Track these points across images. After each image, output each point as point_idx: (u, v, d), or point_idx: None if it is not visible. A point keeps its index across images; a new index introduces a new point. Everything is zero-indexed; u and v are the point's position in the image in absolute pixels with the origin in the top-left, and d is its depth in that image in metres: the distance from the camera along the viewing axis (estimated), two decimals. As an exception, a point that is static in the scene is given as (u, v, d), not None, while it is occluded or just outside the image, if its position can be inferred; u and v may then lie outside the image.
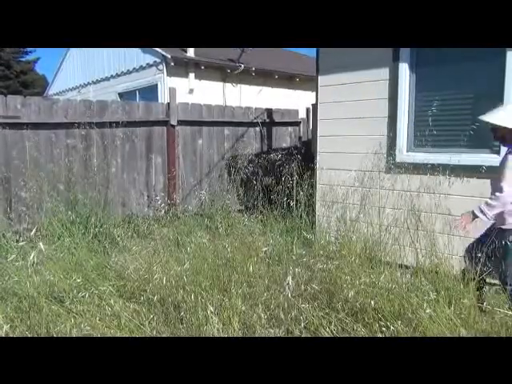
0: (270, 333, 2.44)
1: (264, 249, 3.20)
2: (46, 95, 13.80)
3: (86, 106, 5.49)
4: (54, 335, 2.46)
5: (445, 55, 3.76)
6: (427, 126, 3.76)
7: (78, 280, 2.94)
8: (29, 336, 2.50)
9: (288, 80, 10.72)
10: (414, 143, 4.03)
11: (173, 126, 6.18)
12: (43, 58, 41.81)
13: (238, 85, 9.96)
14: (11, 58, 22.65)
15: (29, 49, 23.26)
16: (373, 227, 3.57)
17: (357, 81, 4.29)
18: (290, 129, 7.77)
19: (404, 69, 3.98)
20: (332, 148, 4.56)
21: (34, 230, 3.52)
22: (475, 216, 2.71)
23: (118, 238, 4.47)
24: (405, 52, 3.95)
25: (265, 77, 10.24)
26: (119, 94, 10.28)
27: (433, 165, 3.73)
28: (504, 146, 2.90)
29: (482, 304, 2.75)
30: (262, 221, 4.66)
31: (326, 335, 2.44)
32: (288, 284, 2.52)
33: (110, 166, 5.69)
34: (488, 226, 2.89)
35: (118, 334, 2.47)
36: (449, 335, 2.29)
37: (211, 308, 2.50)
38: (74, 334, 2.44)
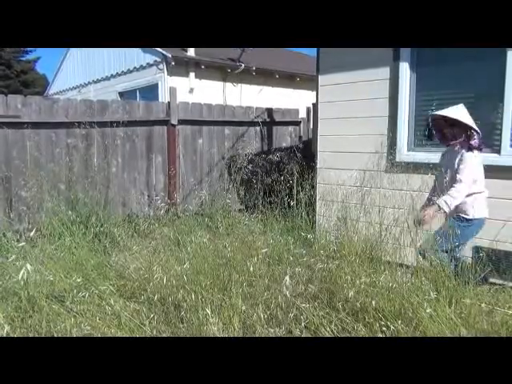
0: (270, 332, 2.45)
1: (264, 250, 3.20)
2: (47, 95, 13.80)
3: (86, 105, 5.50)
4: (55, 335, 2.46)
5: (445, 55, 3.76)
6: (427, 125, 3.75)
7: (79, 279, 2.94)
8: (30, 336, 2.50)
9: (289, 79, 10.71)
10: (415, 143, 4.03)
11: (173, 126, 6.18)
12: (44, 58, 42.00)
13: (239, 84, 9.95)
14: (12, 58, 22.67)
15: (29, 48, 23.27)
16: (373, 227, 3.56)
17: (356, 80, 4.29)
18: (290, 128, 7.77)
19: (404, 68, 3.98)
20: (332, 147, 4.56)
21: (34, 230, 3.52)
22: (439, 209, 2.89)
23: (119, 238, 4.47)
24: (405, 51, 3.95)
25: (265, 76, 10.23)
26: (120, 93, 10.27)
27: (433, 164, 3.73)
28: (442, 142, 3.22)
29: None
30: (262, 220, 4.66)
31: (327, 335, 2.45)
32: (285, 283, 2.53)
33: (111, 166, 5.69)
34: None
35: (119, 334, 2.48)
36: (449, 335, 2.29)
37: (211, 307, 2.50)
38: (75, 333, 2.44)
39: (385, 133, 4.13)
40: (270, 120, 7.37)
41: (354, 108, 4.31)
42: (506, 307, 2.67)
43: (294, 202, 4.75)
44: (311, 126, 7.39)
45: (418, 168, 3.85)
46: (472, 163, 2.93)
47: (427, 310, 2.36)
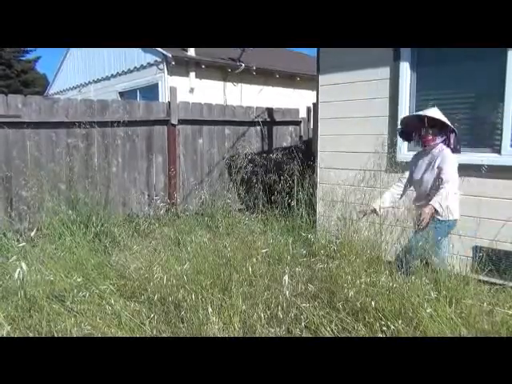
0: (270, 332, 2.45)
1: (264, 250, 3.20)
2: (47, 94, 13.80)
3: (86, 105, 5.49)
4: (55, 334, 2.46)
5: (445, 55, 3.76)
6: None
7: (79, 279, 2.95)
8: (30, 336, 2.50)
9: (289, 79, 10.71)
10: (415, 142, 4.02)
11: (173, 126, 6.18)
12: (44, 57, 41.94)
13: (239, 84, 9.95)
14: (12, 57, 22.65)
15: (29, 48, 23.27)
16: (373, 226, 3.56)
17: (357, 80, 4.28)
18: (290, 128, 7.76)
19: (405, 68, 3.98)
20: (332, 147, 4.55)
21: (34, 230, 3.53)
22: (434, 210, 2.85)
23: (119, 237, 4.47)
24: (406, 51, 3.95)
25: (266, 76, 10.23)
26: (120, 93, 10.27)
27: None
28: (421, 144, 3.23)
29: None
30: (262, 220, 4.67)
31: (327, 334, 2.45)
32: (284, 283, 2.53)
33: (111, 166, 5.69)
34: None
35: (119, 333, 2.48)
36: (449, 334, 2.29)
37: (212, 307, 2.50)
38: (75, 333, 2.44)
39: (385, 132, 4.13)
40: (270, 120, 7.37)
41: (354, 108, 4.31)
42: (506, 307, 2.67)
43: (295, 201, 4.75)
44: (311, 126, 7.39)
45: (419, 168, 3.84)
46: (453, 163, 2.97)
47: (427, 310, 2.36)
